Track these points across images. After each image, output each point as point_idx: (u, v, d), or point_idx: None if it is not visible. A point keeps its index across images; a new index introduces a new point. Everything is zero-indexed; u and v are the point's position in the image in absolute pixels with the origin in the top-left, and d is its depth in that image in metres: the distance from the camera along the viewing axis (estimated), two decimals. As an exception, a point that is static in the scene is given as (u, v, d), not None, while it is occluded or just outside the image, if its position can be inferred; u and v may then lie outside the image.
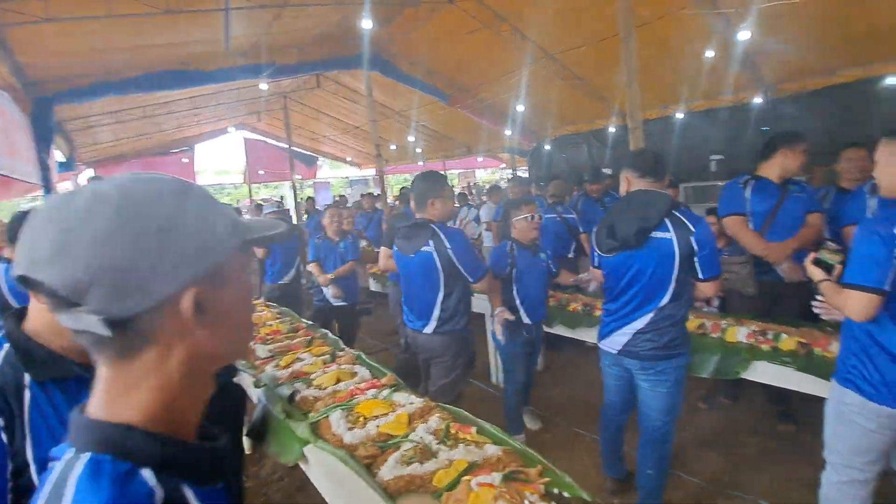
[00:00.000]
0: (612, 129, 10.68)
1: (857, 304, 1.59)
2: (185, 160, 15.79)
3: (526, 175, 14.95)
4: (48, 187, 6.60)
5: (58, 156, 9.09)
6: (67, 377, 0.83)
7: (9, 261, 2.47)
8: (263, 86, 8.91)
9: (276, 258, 5.05)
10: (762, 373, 2.26)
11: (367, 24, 6.36)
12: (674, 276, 1.98)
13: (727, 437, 2.96)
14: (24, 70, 5.97)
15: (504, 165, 20.87)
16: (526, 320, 2.87)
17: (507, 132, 12.37)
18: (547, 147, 12.83)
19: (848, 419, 1.72)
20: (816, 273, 1.78)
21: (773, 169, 2.78)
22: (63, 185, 12.82)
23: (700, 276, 1.97)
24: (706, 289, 2.00)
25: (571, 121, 11.77)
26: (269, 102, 14.18)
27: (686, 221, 1.96)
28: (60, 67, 6.54)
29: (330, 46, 9.11)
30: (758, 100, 8.44)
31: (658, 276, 2.00)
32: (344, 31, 8.58)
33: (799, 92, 8.03)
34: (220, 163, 18.56)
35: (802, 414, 2.84)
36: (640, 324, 2.06)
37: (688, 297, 2.04)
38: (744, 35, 6.31)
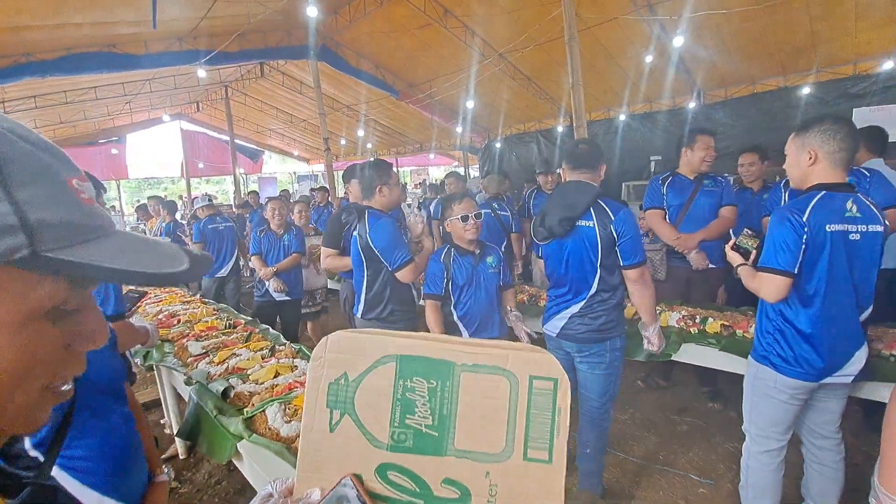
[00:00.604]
0: (560, 129, 11.02)
1: (770, 287, 1.72)
2: (115, 151, 14.67)
3: (478, 173, 15.13)
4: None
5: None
6: None
7: None
8: (202, 73, 8.40)
9: (212, 250, 5.06)
10: (691, 354, 2.41)
11: (312, 11, 6.16)
12: (599, 262, 2.08)
13: (661, 417, 3.13)
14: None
15: (457, 163, 21.01)
16: None
17: (459, 129, 12.45)
18: (498, 145, 13.03)
19: (763, 393, 1.86)
20: (735, 258, 1.91)
21: (684, 166, 3.03)
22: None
23: (622, 262, 2.06)
24: (630, 274, 2.07)
25: (521, 120, 12.03)
26: (208, 91, 13.45)
27: (608, 210, 2.04)
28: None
29: (275, 35, 8.76)
30: (692, 104, 9.02)
31: (585, 262, 2.10)
32: (289, 19, 8.28)
33: (727, 98, 8.69)
34: (156, 155, 17.30)
35: (729, 393, 3.07)
36: (575, 308, 2.15)
37: (619, 282, 2.13)
38: (678, 41, 6.71)
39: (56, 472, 0.71)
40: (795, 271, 1.68)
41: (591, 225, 2.05)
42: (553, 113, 10.88)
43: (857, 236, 1.68)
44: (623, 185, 9.26)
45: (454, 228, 2.31)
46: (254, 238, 4.00)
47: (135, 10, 6.33)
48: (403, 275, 2.34)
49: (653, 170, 9.86)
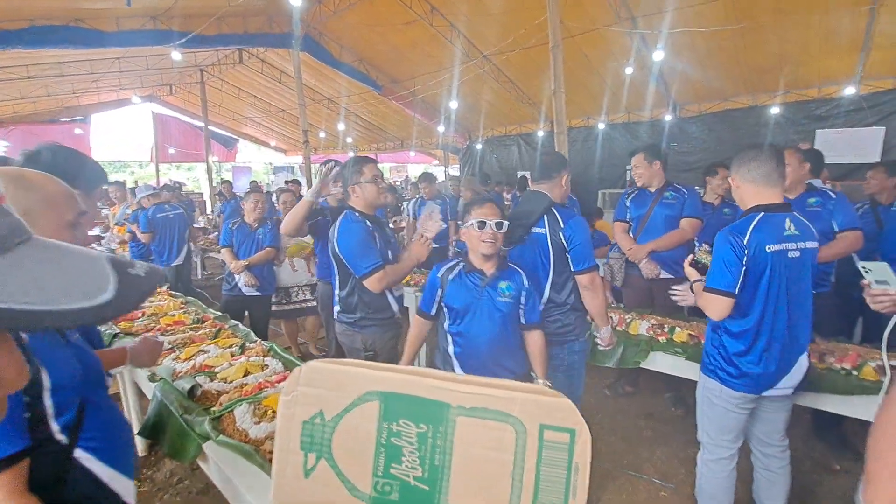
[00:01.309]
0: (540, 134, 11.15)
1: (714, 306, 1.80)
2: (79, 131, 13.98)
3: (457, 173, 15.14)
4: None
5: None
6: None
7: None
8: (177, 55, 8.08)
9: (162, 239, 5.04)
10: (659, 362, 2.48)
11: (296, 1, 6.02)
12: (552, 268, 2.16)
13: (627, 422, 3.21)
14: None
15: (437, 162, 20.97)
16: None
17: (441, 129, 12.43)
18: (479, 146, 13.08)
19: (712, 403, 1.96)
20: (692, 273, 1.97)
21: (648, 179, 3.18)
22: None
23: (573, 267, 2.12)
24: (581, 279, 2.12)
25: (503, 122, 12.11)
26: (182, 75, 12.99)
27: (559, 218, 2.13)
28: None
29: (255, 21, 8.53)
30: (668, 117, 9.28)
31: (539, 267, 2.18)
32: (271, 4, 8.08)
33: (701, 113, 8.99)
34: (123, 137, 16.58)
35: (692, 399, 3.16)
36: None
37: (572, 288, 2.19)
38: (658, 55, 6.90)
39: (78, 452, 0.89)
40: (736, 292, 1.76)
41: (544, 232, 2.14)
42: (535, 117, 11.00)
43: (797, 253, 1.77)
44: (600, 192, 9.46)
45: (468, 237, 1.92)
46: (225, 230, 3.88)
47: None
48: (370, 283, 2.14)
49: (628, 178, 10.12)
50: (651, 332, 2.61)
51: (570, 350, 2.18)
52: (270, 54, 10.96)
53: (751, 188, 1.81)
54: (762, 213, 1.77)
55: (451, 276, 1.94)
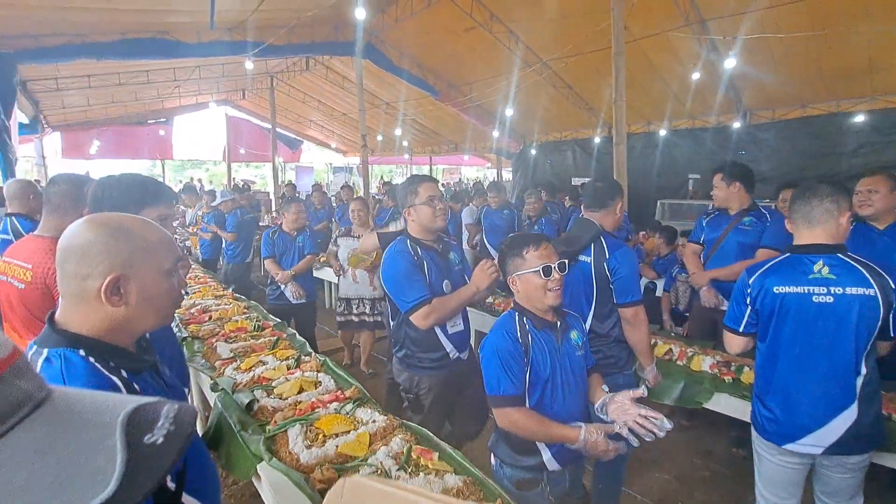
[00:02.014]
0: (597, 140, 10.79)
1: (727, 341, 1.83)
2: (162, 132, 15.22)
3: (510, 177, 15.00)
4: (5, 149, 6.25)
5: (20, 117, 8.61)
6: (142, 370, 0.93)
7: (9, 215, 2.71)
8: (249, 65, 8.61)
9: (242, 239, 5.47)
10: (723, 404, 2.31)
11: (360, 13, 6.22)
12: (594, 297, 2.09)
13: (682, 459, 3.02)
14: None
15: (490, 165, 20.90)
16: (553, 465, 1.56)
17: (495, 134, 12.36)
18: (533, 152, 12.88)
19: (759, 454, 1.83)
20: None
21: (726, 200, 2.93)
22: (25, 148, 12.17)
23: (615, 300, 2.04)
24: (623, 313, 2.03)
25: (558, 128, 11.85)
26: (254, 81, 13.77)
27: (605, 248, 2.06)
28: (25, 23, 6.15)
29: (322, 30, 8.88)
30: (737, 124, 8.68)
31: (582, 295, 2.13)
32: (337, 16, 8.37)
33: (775, 120, 8.33)
34: (200, 138, 17.87)
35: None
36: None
37: (616, 320, 2.11)
38: (729, 63, 6.49)
39: (185, 497, 0.87)
40: (741, 330, 1.75)
41: (588, 261, 2.10)
42: (591, 123, 10.67)
43: (828, 298, 1.61)
44: (658, 202, 8.99)
45: (526, 286, 1.55)
46: (265, 240, 3.85)
47: (194, 0, 6.53)
48: (416, 319, 1.93)
49: (690, 188, 9.56)
50: (715, 370, 2.43)
51: (613, 383, 2.05)
52: (334, 61, 11.39)
53: (793, 228, 1.74)
54: (787, 254, 1.71)
55: (529, 338, 1.53)
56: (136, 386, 0.87)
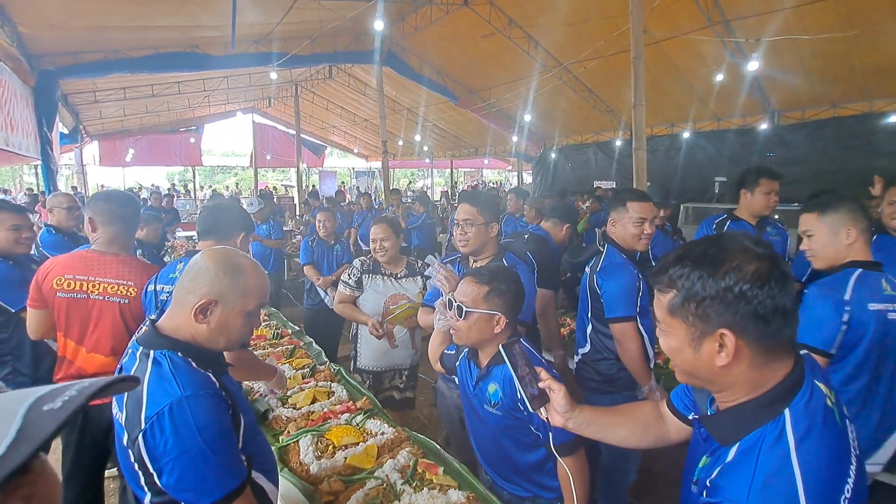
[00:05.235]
0: (618, 143, 10.65)
1: None
2: (192, 140, 15.79)
3: (530, 181, 14.93)
4: (47, 160, 6.63)
5: (62, 127, 9.10)
6: (224, 371, 1.13)
7: (48, 225, 2.90)
8: (273, 75, 8.88)
9: (265, 251, 5.40)
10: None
11: (379, 25, 6.36)
12: (589, 310, 2.06)
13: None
14: (26, 42, 5.96)
15: (510, 168, 20.84)
16: None
17: (515, 138, 12.36)
18: (553, 155, 12.80)
19: None
20: None
21: (743, 210, 2.71)
22: (65, 157, 12.84)
23: (605, 314, 1.97)
24: (612, 329, 1.94)
25: (579, 131, 11.75)
26: (279, 89, 14.16)
27: (600, 261, 2.03)
28: (65, 42, 6.53)
29: (344, 40, 9.08)
30: (764, 125, 8.42)
31: (582, 309, 2.11)
32: (358, 26, 8.55)
33: (804, 121, 8.04)
34: (228, 144, 18.49)
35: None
36: (581, 352, 2.15)
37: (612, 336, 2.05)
38: (753, 65, 6.32)
39: (254, 473, 1.08)
40: (832, 352, 1.57)
41: (587, 273, 2.08)
42: (611, 125, 10.54)
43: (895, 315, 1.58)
44: (682, 206, 8.79)
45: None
46: (304, 247, 4.02)
47: (216, 15, 6.79)
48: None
49: (716, 191, 9.30)
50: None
51: (614, 402, 2.04)
52: (356, 69, 11.61)
53: (861, 241, 1.63)
54: (859, 270, 1.61)
55: None
56: (223, 381, 1.07)
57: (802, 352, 0.85)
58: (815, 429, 0.75)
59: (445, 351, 1.72)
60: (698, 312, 0.79)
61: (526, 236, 3.00)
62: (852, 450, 0.78)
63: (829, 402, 0.79)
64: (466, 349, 1.54)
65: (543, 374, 1.14)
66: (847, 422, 0.81)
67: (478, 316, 1.39)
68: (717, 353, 0.78)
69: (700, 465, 0.89)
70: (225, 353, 1.16)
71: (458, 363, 1.61)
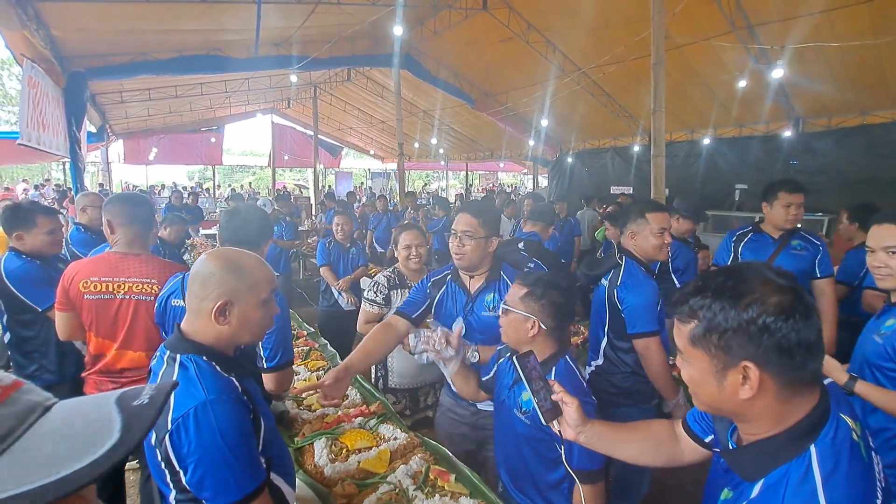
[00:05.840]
0: (636, 148, 10.54)
1: None
2: (213, 140, 16.09)
3: (545, 185, 14.86)
4: (75, 158, 6.84)
5: (88, 126, 9.38)
6: (244, 375, 1.15)
7: (77, 223, 3.01)
8: (293, 78, 9.01)
9: (275, 251, 5.57)
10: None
11: (398, 30, 6.41)
12: (606, 323, 2.03)
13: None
14: (58, 44, 6.16)
15: (526, 171, 20.77)
16: None
17: (531, 142, 12.32)
18: (569, 159, 12.72)
19: None
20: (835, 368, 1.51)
21: (767, 222, 2.66)
22: (92, 155, 13.20)
23: (627, 329, 1.93)
24: (636, 345, 1.91)
25: (596, 136, 11.66)
26: (299, 91, 14.36)
27: (621, 274, 1.99)
28: (95, 44, 6.74)
29: (362, 43, 9.17)
30: (788, 132, 8.23)
31: (598, 320, 2.08)
32: (377, 30, 8.63)
33: (830, 128, 7.83)
34: (247, 144, 18.80)
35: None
36: (593, 365, 2.14)
37: (629, 348, 2.01)
38: (777, 73, 6.19)
39: (272, 475, 1.11)
40: None
41: (604, 284, 2.05)
42: (629, 131, 10.43)
43: None
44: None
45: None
46: (321, 248, 4.07)
47: (239, 19, 6.94)
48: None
49: (737, 199, 9.13)
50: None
51: (626, 416, 2.00)
52: (374, 72, 11.72)
53: None
54: None
55: None
56: (245, 386, 1.10)
57: (827, 381, 0.84)
58: (841, 465, 0.74)
59: (483, 378, 1.71)
60: (721, 344, 0.78)
61: (521, 244, 3.00)
62: (878, 482, 0.77)
63: (854, 437, 0.78)
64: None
65: (557, 386, 1.15)
66: (873, 454, 0.80)
67: (514, 316, 1.43)
68: (741, 385, 0.77)
69: (721, 497, 0.88)
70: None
71: (500, 360, 1.61)
